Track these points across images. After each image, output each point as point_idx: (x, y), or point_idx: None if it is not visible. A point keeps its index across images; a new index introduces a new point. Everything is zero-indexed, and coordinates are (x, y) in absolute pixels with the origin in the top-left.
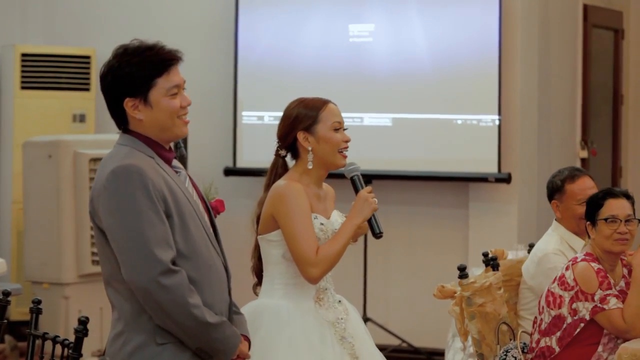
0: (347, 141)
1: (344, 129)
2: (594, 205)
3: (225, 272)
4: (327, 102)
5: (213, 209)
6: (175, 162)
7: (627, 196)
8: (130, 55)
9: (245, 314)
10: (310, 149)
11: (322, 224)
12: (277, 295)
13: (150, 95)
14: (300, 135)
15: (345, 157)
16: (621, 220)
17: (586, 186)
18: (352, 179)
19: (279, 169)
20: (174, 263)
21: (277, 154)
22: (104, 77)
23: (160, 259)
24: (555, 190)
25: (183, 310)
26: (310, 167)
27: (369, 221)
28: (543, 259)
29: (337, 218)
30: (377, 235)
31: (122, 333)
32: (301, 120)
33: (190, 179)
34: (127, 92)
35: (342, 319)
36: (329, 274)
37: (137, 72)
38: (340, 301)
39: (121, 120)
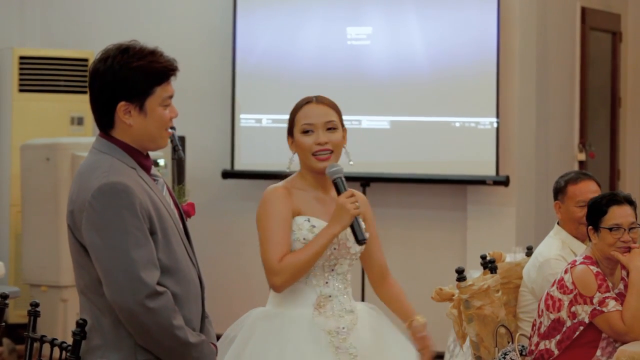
0: (319, 144)
1: (331, 129)
2: (597, 211)
3: (200, 283)
4: (306, 102)
5: (185, 213)
6: (154, 170)
7: (630, 201)
8: (132, 58)
9: (248, 322)
10: (294, 153)
11: (313, 225)
12: (275, 302)
13: (147, 102)
14: (289, 141)
15: (321, 160)
16: (625, 229)
17: (588, 190)
18: (334, 182)
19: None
20: (158, 283)
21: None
22: (102, 76)
23: (146, 282)
24: (558, 190)
25: (167, 332)
26: (301, 170)
27: (352, 227)
28: (544, 265)
29: None
30: (360, 242)
31: (100, 347)
32: (288, 125)
33: (167, 186)
34: (124, 95)
35: (343, 328)
36: (341, 283)
37: (139, 77)
38: (352, 311)
39: (106, 122)
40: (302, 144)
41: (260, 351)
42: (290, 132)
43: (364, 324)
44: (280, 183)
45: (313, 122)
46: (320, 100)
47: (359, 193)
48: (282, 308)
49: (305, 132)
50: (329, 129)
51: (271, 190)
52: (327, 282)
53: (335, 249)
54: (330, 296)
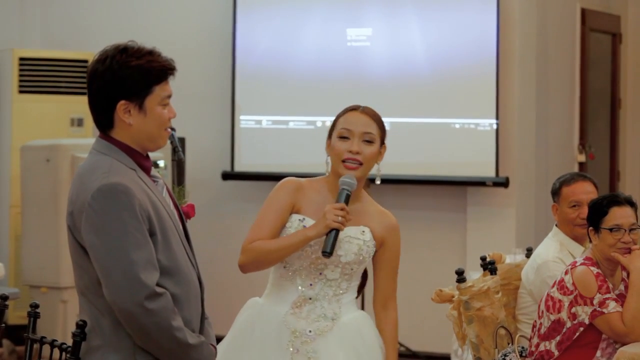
0: (352, 152)
1: (367, 141)
2: (597, 212)
3: (199, 284)
4: (351, 109)
5: (184, 214)
6: (154, 172)
7: (631, 203)
8: (130, 57)
9: (241, 314)
10: (328, 155)
11: (305, 226)
12: (266, 293)
13: (146, 101)
14: (327, 142)
15: (348, 167)
16: (625, 230)
17: (581, 190)
18: (339, 191)
19: None
20: (158, 284)
21: None
22: (101, 75)
23: (145, 283)
24: (554, 192)
25: (166, 333)
26: (328, 171)
27: (326, 235)
28: (542, 267)
29: (349, 232)
30: (323, 252)
31: (99, 347)
32: (330, 127)
33: (167, 187)
34: (123, 94)
35: (310, 331)
36: (331, 289)
37: (138, 75)
38: (333, 319)
39: (105, 122)
40: (336, 148)
41: (230, 343)
42: (330, 134)
43: (340, 333)
44: (302, 179)
45: (351, 129)
46: (365, 110)
47: (391, 218)
48: (267, 300)
49: (342, 137)
50: (365, 140)
51: (283, 180)
52: (311, 285)
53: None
54: (311, 299)
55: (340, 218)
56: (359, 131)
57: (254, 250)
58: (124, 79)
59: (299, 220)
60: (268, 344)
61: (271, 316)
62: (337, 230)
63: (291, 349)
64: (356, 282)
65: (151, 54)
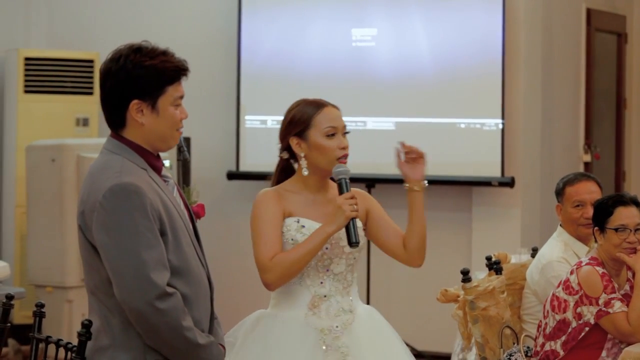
0: (343, 148)
1: (346, 132)
2: (603, 212)
3: (209, 284)
4: (323, 105)
5: (194, 214)
6: (164, 171)
7: (636, 203)
8: (144, 57)
9: (246, 325)
10: (303, 155)
11: (302, 226)
12: (273, 304)
13: (159, 101)
14: (293, 141)
15: (344, 162)
16: (631, 230)
17: (585, 190)
18: (339, 182)
19: (280, 172)
20: (168, 284)
21: (279, 156)
22: (114, 74)
23: (156, 283)
24: (558, 192)
25: (176, 333)
26: (306, 173)
27: (346, 228)
28: (547, 267)
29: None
30: (352, 244)
31: (109, 347)
32: (295, 125)
33: (178, 187)
34: (136, 93)
35: (337, 327)
36: (339, 283)
37: (151, 75)
38: (351, 311)
39: (117, 121)
40: (328, 148)
41: (246, 354)
42: (301, 133)
43: (361, 323)
44: (272, 187)
45: (336, 126)
46: (333, 104)
47: (358, 189)
48: (278, 309)
49: (330, 135)
50: (344, 133)
51: (262, 193)
52: (322, 283)
53: (327, 248)
54: (325, 296)
55: (355, 207)
56: (341, 126)
57: (280, 266)
58: (137, 79)
59: (295, 221)
60: (294, 347)
61: (289, 321)
62: (354, 219)
63: (324, 347)
64: (357, 274)
65: (165, 54)
